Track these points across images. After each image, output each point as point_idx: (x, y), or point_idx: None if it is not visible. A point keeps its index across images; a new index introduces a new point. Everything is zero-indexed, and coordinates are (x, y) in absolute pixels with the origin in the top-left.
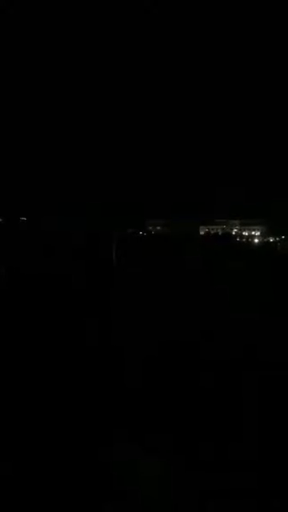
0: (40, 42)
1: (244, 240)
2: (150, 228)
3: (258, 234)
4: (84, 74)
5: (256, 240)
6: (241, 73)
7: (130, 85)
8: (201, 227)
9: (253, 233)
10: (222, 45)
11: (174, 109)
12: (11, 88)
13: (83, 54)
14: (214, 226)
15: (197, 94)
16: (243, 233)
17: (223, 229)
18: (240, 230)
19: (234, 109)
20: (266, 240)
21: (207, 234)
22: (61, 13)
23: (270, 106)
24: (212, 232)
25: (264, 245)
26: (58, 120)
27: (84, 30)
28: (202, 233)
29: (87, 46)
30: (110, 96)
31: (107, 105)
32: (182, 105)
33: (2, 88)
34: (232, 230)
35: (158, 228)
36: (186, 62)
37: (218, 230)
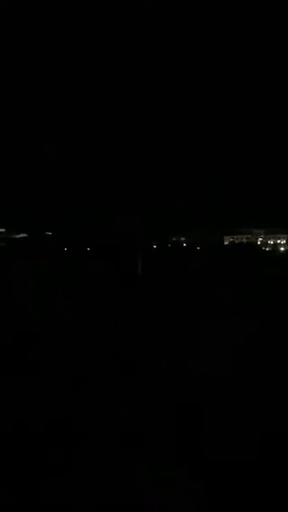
0: (40, 41)
1: (269, 249)
2: (174, 239)
3: (283, 242)
4: (82, 74)
5: (282, 248)
6: (240, 73)
7: (134, 87)
8: (225, 237)
9: (278, 241)
10: (221, 43)
11: (188, 119)
12: (11, 88)
13: (82, 50)
14: (238, 236)
15: (206, 103)
16: (268, 241)
17: (248, 238)
18: (265, 238)
19: (251, 119)
20: None
21: (232, 243)
22: (61, 12)
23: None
24: (237, 242)
25: None
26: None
27: (84, 29)
28: (226, 242)
29: (87, 44)
30: (119, 101)
31: (111, 115)
32: (191, 114)
33: (2, 89)
34: (257, 239)
35: (182, 239)
36: (182, 64)
37: (243, 240)
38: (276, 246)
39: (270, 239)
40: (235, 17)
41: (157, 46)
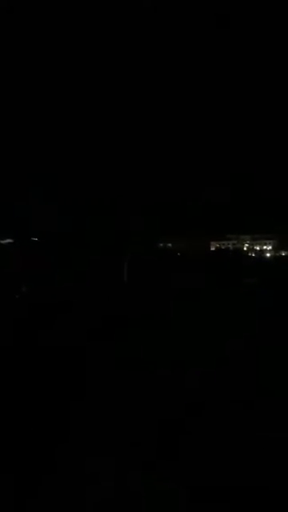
0: (39, 40)
1: (255, 255)
2: (161, 245)
3: (269, 248)
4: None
5: (268, 254)
6: (240, 75)
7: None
8: (211, 243)
9: (264, 247)
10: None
11: (177, 117)
12: (11, 90)
13: (81, 48)
14: (224, 242)
15: (204, 104)
16: (255, 247)
17: (234, 244)
18: (251, 244)
19: (244, 121)
20: (277, 254)
21: (218, 249)
22: (60, 12)
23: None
24: (223, 247)
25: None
26: (59, 129)
27: (83, 29)
28: (212, 248)
29: (86, 42)
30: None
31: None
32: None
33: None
34: (243, 244)
35: (169, 245)
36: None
37: (229, 245)
38: (262, 251)
39: (256, 245)
40: (235, 18)
41: (157, 47)
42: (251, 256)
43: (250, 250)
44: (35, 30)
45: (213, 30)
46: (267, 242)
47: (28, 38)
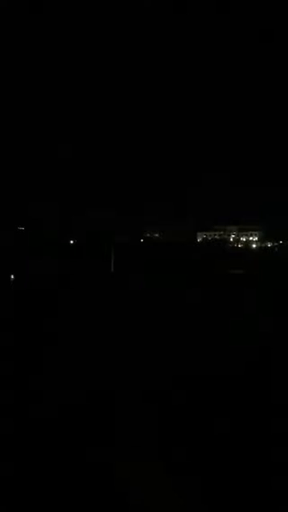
0: (39, 41)
1: (241, 245)
2: (148, 235)
3: (255, 239)
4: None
5: (253, 245)
6: (240, 77)
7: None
8: (198, 233)
9: (250, 238)
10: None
11: (171, 115)
12: (11, 92)
13: (81, 48)
14: (211, 233)
15: (196, 99)
16: (241, 238)
17: (221, 235)
18: (238, 235)
19: (234, 112)
20: (263, 245)
21: (204, 240)
22: (60, 12)
23: (270, 110)
24: (209, 238)
25: (260, 250)
26: (54, 121)
27: (83, 29)
28: (199, 239)
29: (86, 43)
30: (111, 99)
31: (107, 109)
32: (180, 110)
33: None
34: (230, 236)
35: (156, 235)
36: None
37: (216, 236)
38: (248, 242)
39: (242, 236)
40: (235, 20)
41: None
42: (237, 247)
43: (236, 240)
44: (35, 30)
45: (214, 26)
46: (253, 233)
47: (27, 38)
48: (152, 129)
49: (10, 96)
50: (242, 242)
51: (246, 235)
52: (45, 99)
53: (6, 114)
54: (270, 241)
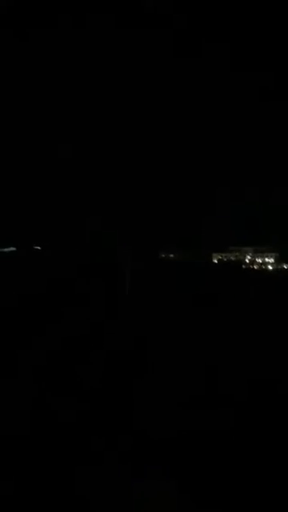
0: (39, 41)
1: (257, 267)
2: (164, 256)
3: (271, 260)
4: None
5: (270, 267)
6: (240, 80)
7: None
8: (213, 254)
9: (266, 259)
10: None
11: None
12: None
13: (82, 48)
14: (227, 254)
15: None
16: (257, 259)
17: (236, 256)
18: (253, 256)
19: (247, 130)
20: (279, 267)
21: (220, 261)
22: (60, 12)
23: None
24: (225, 259)
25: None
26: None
27: (84, 29)
28: (215, 260)
29: (86, 43)
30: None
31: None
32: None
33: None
34: (245, 257)
35: (172, 256)
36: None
37: (231, 258)
38: (264, 264)
39: (258, 257)
40: (234, 24)
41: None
42: (253, 268)
43: (252, 262)
44: (35, 29)
45: (213, 27)
46: (269, 254)
47: (27, 37)
48: (161, 141)
49: (10, 96)
50: (257, 264)
51: (262, 256)
52: (46, 108)
53: (5, 113)
54: (286, 262)
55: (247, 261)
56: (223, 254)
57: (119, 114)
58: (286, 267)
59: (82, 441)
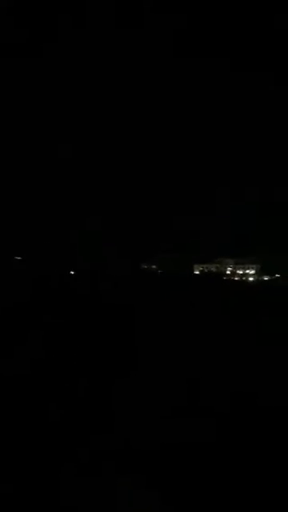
0: (39, 41)
1: (237, 279)
2: (145, 267)
3: (252, 272)
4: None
5: (250, 278)
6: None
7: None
8: (195, 265)
9: (247, 271)
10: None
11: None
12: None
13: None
14: (207, 265)
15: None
16: (237, 271)
17: (217, 268)
18: (234, 268)
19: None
20: (260, 279)
21: (201, 272)
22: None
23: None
24: (206, 271)
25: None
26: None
27: (84, 29)
28: (196, 272)
29: (86, 44)
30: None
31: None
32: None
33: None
34: (226, 268)
35: (154, 267)
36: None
37: (212, 269)
38: (245, 275)
39: (239, 269)
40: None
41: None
42: (234, 279)
43: (233, 273)
44: (34, 30)
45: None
46: (251, 266)
47: (28, 38)
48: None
49: (10, 96)
50: (238, 275)
51: (243, 268)
52: (47, 111)
53: (5, 114)
54: (268, 274)
55: (228, 272)
56: (204, 265)
57: (119, 114)
58: (266, 279)
59: (67, 449)
